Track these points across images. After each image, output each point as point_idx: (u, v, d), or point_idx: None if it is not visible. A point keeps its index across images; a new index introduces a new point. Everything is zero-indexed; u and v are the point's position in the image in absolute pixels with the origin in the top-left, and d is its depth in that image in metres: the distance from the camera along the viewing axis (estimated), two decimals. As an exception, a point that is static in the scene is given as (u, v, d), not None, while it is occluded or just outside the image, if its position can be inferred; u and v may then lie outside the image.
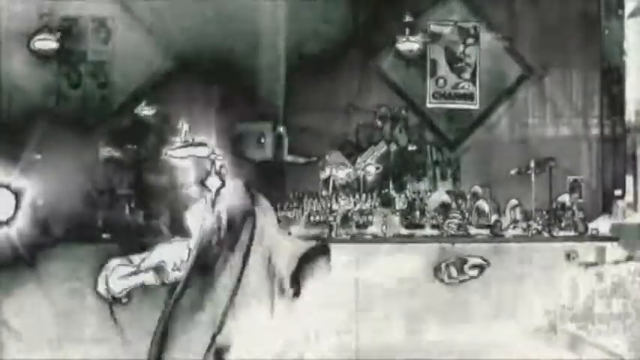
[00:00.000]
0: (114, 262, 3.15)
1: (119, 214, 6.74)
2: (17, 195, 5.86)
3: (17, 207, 5.83)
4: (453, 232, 6.65)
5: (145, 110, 7.11)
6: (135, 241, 6.06)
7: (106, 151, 7.09)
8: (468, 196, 6.98)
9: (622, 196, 7.08)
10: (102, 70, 7.18)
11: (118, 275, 3.10)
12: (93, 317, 5.82)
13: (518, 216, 6.88)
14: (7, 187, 5.86)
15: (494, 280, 6.37)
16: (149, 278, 3.02)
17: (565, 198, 6.98)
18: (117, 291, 3.14)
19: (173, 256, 3.00)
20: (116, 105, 7.21)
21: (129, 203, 6.81)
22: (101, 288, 3.07)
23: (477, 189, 6.96)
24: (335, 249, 5.75)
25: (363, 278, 5.97)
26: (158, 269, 2.99)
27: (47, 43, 6.99)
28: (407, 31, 7.16)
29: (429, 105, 7.35)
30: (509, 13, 7.49)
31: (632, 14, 7.07)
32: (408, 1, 7.30)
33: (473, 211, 6.90)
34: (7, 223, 5.71)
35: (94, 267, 5.97)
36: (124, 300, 3.12)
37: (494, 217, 6.82)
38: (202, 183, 6.46)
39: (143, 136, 7.09)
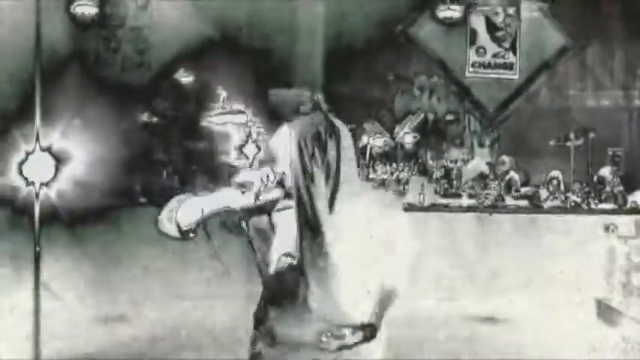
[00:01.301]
0: (182, 195, 3.03)
1: (156, 178, 6.84)
2: (57, 158, 5.93)
3: (57, 170, 5.91)
4: (490, 202, 6.64)
5: (184, 77, 7.15)
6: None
7: (144, 117, 7.14)
8: (503, 166, 6.96)
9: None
10: (140, 35, 7.19)
11: (188, 206, 2.97)
12: (127, 280, 5.96)
13: (557, 187, 6.84)
14: (48, 149, 5.93)
15: (529, 251, 6.37)
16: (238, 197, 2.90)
17: (605, 170, 6.92)
18: (185, 223, 3.00)
19: (257, 177, 2.89)
20: (155, 71, 7.22)
21: (166, 168, 6.90)
22: (166, 224, 2.93)
23: (505, 158, 6.91)
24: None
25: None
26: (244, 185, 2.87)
27: (87, 8, 7.03)
28: (447, -1, 7.13)
29: (468, 74, 7.29)
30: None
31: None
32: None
33: (503, 182, 6.87)
34: (47, 185, 5.79)
35: (130, 230, 6.10)
36: (192, 235, 3.02)
37: (531, 188, 6.80)
38: (240, 149, 6.52)
39: (181, 102, 7.14)
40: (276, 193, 2.82)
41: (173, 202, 2.86)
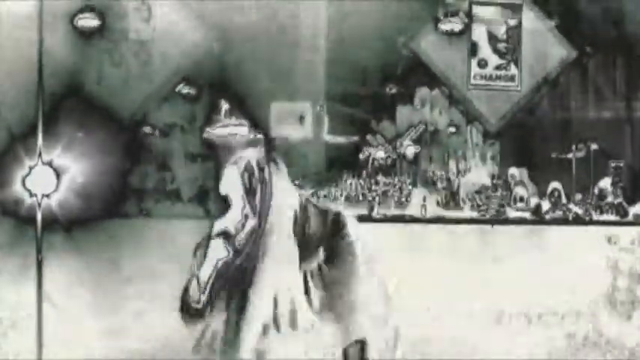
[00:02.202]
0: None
1: (158, 190, 6.91)
2: (58, 172, 6.04)
3: (59, 182, 6.02)
4: (492, 214, 6.72)
5: (186, 89, 7.20)
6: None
7: (146, 129, 7.20)
8: (505, 178, 7.03)
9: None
10: (143, 48, 7.23)
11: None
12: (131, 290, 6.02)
13: (558, 199, 6.91)
14: (50, 164, 6.04)
15: (532, 263, 6.43)
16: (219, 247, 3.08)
17: (606, 182, 7.00)
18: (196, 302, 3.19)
19: (231, 225, 3.06)
20: (157, 83, 7.26)
21: (168, 180, 6.97)
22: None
23: (514, 171, 6.99)
24: (374, 228, 5.85)
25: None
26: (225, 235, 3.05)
27: (89, 21, 7.08)
28: (448, 10, 7.17)
29: (470, 86, 7.33)
30: (554, -6, 7.48)
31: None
32: (451, -21, 7.29)
33: (511, 196, 6.94)
34: (49, 196, 5.91)
35: (131, 241, 6.18)
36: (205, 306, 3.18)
37: (534, 200, 6.86)
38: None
39: (184, 114, 7.19)
40: (249, 225, 2.97)
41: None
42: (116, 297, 6.08)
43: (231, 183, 3.13)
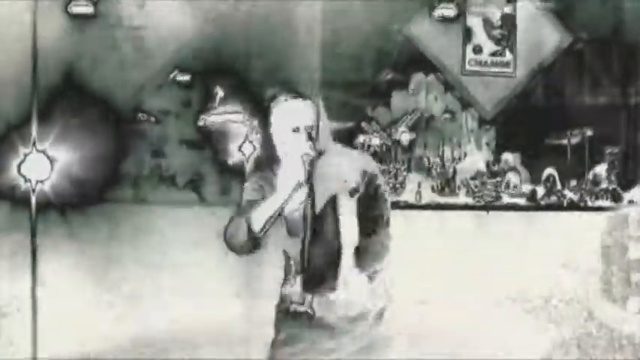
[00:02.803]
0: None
1: (153, 177, 6.93)
2: (52, 160, 6.08)
3: (53, 169, 6.06)
4: (488, 200, 6.74)
5: (180, 76, 7.20)
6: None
7: (141, 116, 7.21)
8: (500, 164, 7.06)
9: (659, 167, 7.11)
10: (138, 35, 7.23)
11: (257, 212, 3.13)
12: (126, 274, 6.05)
13: (553, 185, 6.94)
14: (43, 152, 6.08)
15: (526, 248, 6.45)
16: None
17: (601, 168, 7.02)
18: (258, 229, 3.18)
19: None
20: (152, 70, 7.26)
21: (163, 167, 6.99)
22: (243, 240, 3.12)
23: (507, 157, 7.01)
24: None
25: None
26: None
27: (83, 7, 7.08)
28: (442, -4, 7.20)
29: (464, 73, 7.34)
30: (549, -21, 7.48)
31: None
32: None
33: (503, 182, 6.97)
34: (43, 182, 5.96)
35: (127, 227, 6.22)
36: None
37: (528, 187, 6.89)
38: (239, 149, 6.63)
39: (178, 101, 7.19)
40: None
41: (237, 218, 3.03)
42: (111, 282, 6.12)
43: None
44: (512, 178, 6.93)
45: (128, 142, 6.93)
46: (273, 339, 3.38)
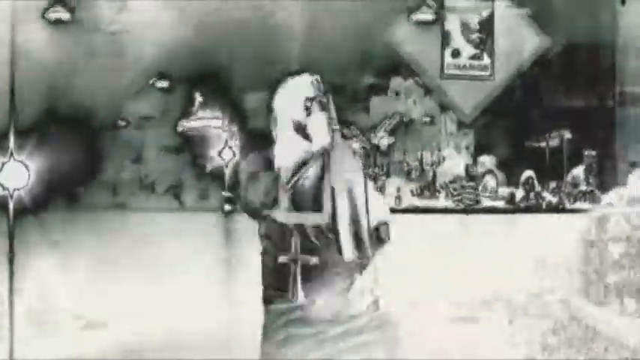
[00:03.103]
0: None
1: (133, 182, 6.93)
2: (28, 168, 6.07)
3: (30, 177, 6.06)
4: (467, 203, 6.77)
5: (160, 82, 7.20)
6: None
7: (120, 122, 7.20)
8: (478, 167, 7.09)
9: (636, 168, 7.15)
10: (117, 41, 7.21)
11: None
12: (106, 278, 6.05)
13: (532, 188, 6.98)
14: (22, 160, 6.07)
15: (506, 249, 6.49)
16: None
17: (578, 170, 7.08)
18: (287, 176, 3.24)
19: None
20: (131, 76, 7.25)
21: (142, 172, 6.99)
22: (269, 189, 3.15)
23: (485, 160, 7.04)
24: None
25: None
26: None
27: (61, 14, 7.07)
28: (421, 1, 7.21)
29: (443, 76, 7.37)
30: (527, -16, 7.53)
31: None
32: (424, -29, 7.33)
33: (481, 185, 7.00)
34: (21, 190, 5.96)
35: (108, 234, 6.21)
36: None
37: (507, 189, 6.93)
38: (219, 154, 6.64)
39: (158, 107, 7.19)
40: None
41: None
42: (91, 286, 6.11)
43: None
44: (489, 181, 6.97)
45: (107, 149, 6.92)
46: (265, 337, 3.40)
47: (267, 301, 3.40)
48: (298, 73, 3.57)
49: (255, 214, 3.30)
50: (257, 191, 3.20)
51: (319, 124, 3.22)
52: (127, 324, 6.13)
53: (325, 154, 3.19)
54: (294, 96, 3.38)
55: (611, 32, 7.45)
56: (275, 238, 3.27)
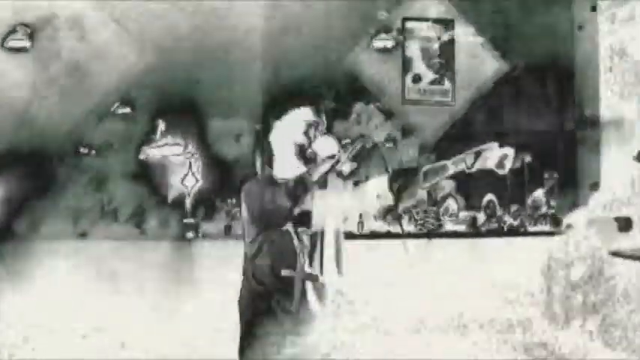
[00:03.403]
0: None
1: (95, 212, 6.89)
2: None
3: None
4: (430, 228, 6.81)
5: (121, 109, 7.18)
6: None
7: (82, 149, 7.16)
8: (438, 192, 7.12)
9: (596, 190, 7.25)
10: (77, 68, 7.20)
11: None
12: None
13: (493, 211, 7.03)
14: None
15: (469, 273, 6.54)
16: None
17: (539, 193, 7.14)
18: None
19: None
20: (92, 103, 7.23)
21: (104, 201, 6.96)
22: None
23: (444, 184, 7.08)
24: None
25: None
26: None
27: (21, 42, 7.05)
28: (382, 27, 7.28)
29: (404, 101, 7.43)
30: (486, 9, 7.60)
31: (606, 9, 7.23)
32: (383, -3, 7.40)
33: (442, 209, 7.04)
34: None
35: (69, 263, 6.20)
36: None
37: (468, 214, 6.98)
38: (181, 181, 6.63)
39: (120, 134, 7.17)
40: None
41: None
42: (52, 317, 6.09)
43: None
44: (451, 204, 7.01)
45: (68, 176, 6.89)
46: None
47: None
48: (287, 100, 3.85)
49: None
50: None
51: (328, 139, 3.65)
52: (91, 353, 6.11)
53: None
54: (293, 124, 3.70)
55: (570, 56, 7.57)
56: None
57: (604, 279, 6.49)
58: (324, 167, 3.60)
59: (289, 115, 3.75)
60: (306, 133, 3.67)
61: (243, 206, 3.60)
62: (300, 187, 3.48)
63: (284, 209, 3.42)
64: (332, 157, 3.63)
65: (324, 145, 3.63)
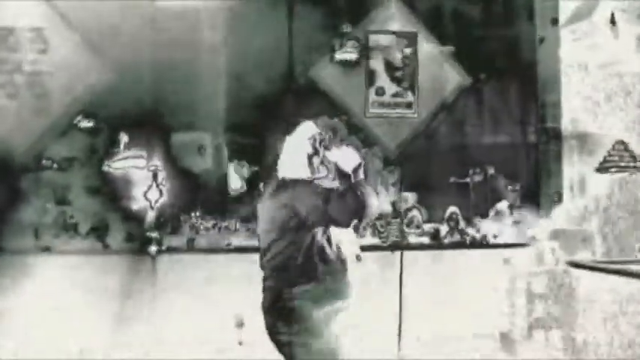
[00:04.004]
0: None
1: (59, 225, 6.87)
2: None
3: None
4: (393, 240, 6.85)
5: (84, 122, 7.16)
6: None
7: (44, 162, 7.14)
8: (402, 204, 7.16)
9: (559, 202, 7.34)
10: (39, 81, 7.17)
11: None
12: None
13: (456, 223, 7.09)
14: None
15: (433, 286, 6.59)
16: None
17: (502, 205, 7.21)
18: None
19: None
20: (55, 116, 7.20)
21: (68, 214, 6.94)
22: None
23: (408, 196, 7.12)
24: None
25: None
26: None
27: (-19, 54, 7.02)
28: (345, 40, 7.33)
29: (368, 114, 7.48)
30: (448, 22, 7.68)
31: (567, 23, 7.35)
32: (346, 10, 7.44)
33: (405, 221, 7.07)
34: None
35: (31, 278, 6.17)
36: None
37: (431, 225, 7.02)
38: (144, 195, 6.63)
39: (82, 148, 7.15)
40: None
41: None
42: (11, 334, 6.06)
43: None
44: (416, 216, 7.06)
45: (30, 190, 6.86)
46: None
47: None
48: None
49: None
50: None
51: (348, 151, 3.93)
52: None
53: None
54: (302, 138, 4.06)
55: (532, 69, 7.67)
56: None
57: (567, 290, 6.56)
58: (360, 176, 3.89)
59: (297, 130, 4.11)
60: (313, 145, 3.99)
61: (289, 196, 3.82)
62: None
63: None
64: (358, 166, 3.89)
65: (347, 158, 3.92)
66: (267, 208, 3.91)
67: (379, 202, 3.76)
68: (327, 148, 3.98)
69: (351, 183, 3.83)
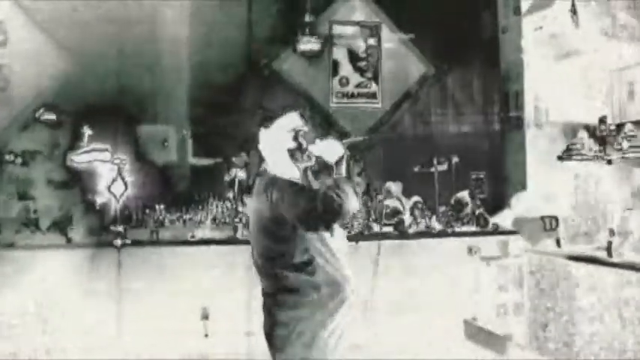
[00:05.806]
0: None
1: (21, 220, 6.90)
2: None
3: None
4: (358, 230, 6.92)
5: (46, 115, 7.18)
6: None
7: (7, 157, 7.16)
8: (380, 195, 7.21)
9: (523, 190, 7.45)
10: (0, 74, 7.19)
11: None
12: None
13: (420, 213, 7.17)
14: None
15: (398, 277, 6.66)
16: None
17: (464, 194, 7.30)
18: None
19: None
20: (16, 109, 7.23)
21: (30, 209, 6.97)
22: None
23: (391, 186, 7.18)
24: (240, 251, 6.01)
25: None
26: None
27: (-59, 47, 7.03)
28: (307, 31, 7.40)
29: (332, 105, 7.57)
30: (411, 12, 7.77)
31: (528, 12, 7.46)
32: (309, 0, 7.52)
33: (383, 210, 7.12)
34: None
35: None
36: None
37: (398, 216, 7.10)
38: (108, 188, 6.66)
39: (45, 141, 7.18)
40: None
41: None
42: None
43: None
44: (389, 207, 7.11)
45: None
46: None
47: None
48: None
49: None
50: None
51: (330, 143, 3.81)
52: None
53: None
54: (282, 131, 3.88)
55: (495, 59, 7.78)
56: None
57: (532, 280, 6.65)
58: (342, 168, 3.78)
59: (277, 122, 3.94)
60: (295, 138, 3.85)
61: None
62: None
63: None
64: (342, 158, 3.77)
65: (331, 149, 3.81)
66: (255, 206, 3.89)
67: (358, 202, 3.74)
68: (310, 141, 3.96)
69: (333, 180, 3.80)
